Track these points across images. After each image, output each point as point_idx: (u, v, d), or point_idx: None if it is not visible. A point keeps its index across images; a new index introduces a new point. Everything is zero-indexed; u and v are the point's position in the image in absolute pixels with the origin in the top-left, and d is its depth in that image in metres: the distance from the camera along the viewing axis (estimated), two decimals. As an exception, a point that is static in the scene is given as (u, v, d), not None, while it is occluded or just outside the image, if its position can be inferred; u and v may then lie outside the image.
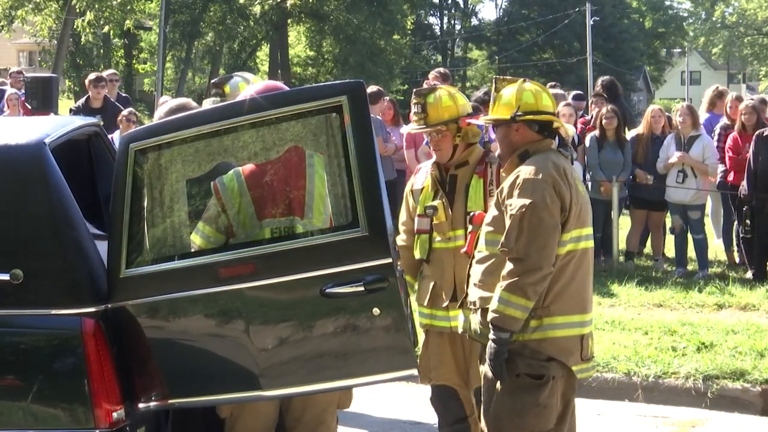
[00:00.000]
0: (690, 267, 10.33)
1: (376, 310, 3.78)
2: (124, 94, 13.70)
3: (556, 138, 4.43)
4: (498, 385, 4.19)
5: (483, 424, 4.36)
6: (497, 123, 4.39)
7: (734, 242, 10.59)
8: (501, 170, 4.46)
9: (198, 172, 4.04)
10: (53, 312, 3.91)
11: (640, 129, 10.67)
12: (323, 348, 3.85)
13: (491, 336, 4.11)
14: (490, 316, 4.11)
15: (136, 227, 3.96)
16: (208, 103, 5.06)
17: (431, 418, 6.49)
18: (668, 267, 10.47)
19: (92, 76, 12.36)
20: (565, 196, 4.12)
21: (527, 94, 4.31)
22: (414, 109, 4.86)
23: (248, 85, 5.09)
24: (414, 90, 4.91)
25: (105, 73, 13.66)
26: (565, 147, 4.50)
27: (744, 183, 9.66)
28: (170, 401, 4.02)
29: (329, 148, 3.86)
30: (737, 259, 10.53)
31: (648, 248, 11.17)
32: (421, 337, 4.88)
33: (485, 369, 4.24)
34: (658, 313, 8.46)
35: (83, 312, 3.87)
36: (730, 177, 10.15)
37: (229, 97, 4.98)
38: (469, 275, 4.37)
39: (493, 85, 4.45)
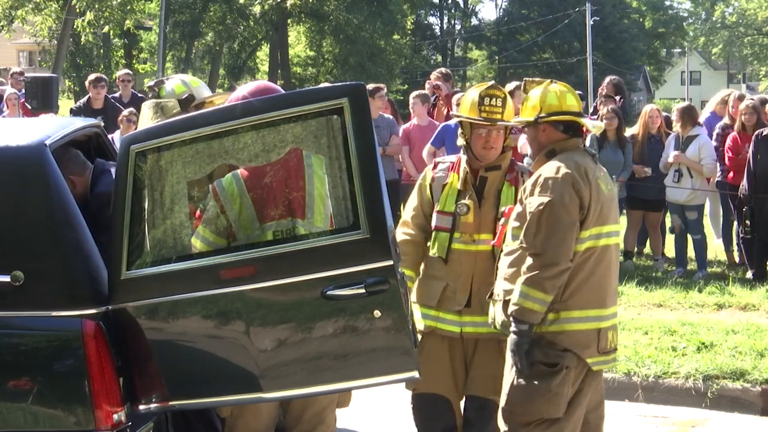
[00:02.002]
0: (690, 267, 10.34)
1: (377, 312, 3.78)
2: (140, 95, 13.68)
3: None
4: (513, 372, 4.31)
5: (499, 414, 4.42)
6: (524, 124, 4.51)
7: (734, 242, 10.60)
8: (532, 169, 4.55)
9: (198, 174, 4.04)
10: (54, 313, 3.91)
11: (636, 128, 10.68)
12: (324, 350, 3.85)
13: (512, 328, 4.26)
14: (510, 308, 4.26)
15: (136, 229, 3.96)
16: (146, 106, 5.07)
17: (431, 418, 6.49)
18: (668, 267, 10.48)
19: (92, 76, 12.37)
20: (584, 195, 4.24)
21: (551, 96, 4.43)
22: (489, 101, 4.73)
23: (185, 87, 5.10)
24: (494, 84, 4.83)
25: (119, 73, 13.68)
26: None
27: (744, 183, 9.67)
28: (171, 403, 4.02)
29: (330, 150, 3.86)
30: (737, 259, 10.53)
31: (648, 248, 11.18)
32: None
33: (507, 365, 4.37)
34: (658, 313, 8.46)
35: (84, 314, 3.88)
36: (730, 176, 10.16)
37: (164, 98, 4.99)
38: (497, 267, 4.47)
39: (523, 86, 4.57)
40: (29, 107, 12.29)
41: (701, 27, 70.24)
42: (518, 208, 4.40)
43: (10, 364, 3.93)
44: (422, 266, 4.92)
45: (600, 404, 4.53)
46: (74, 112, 12.14)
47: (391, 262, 3.75)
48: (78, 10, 33.03)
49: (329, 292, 3.76)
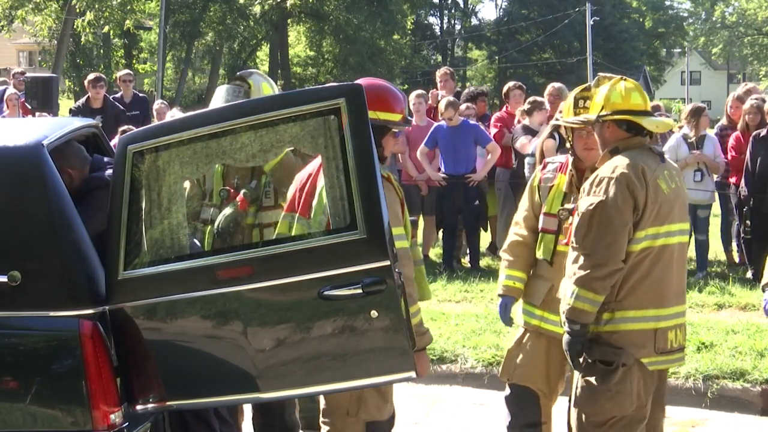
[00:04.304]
0: (690, 267, 10.33)
1: (374, 313, 3.76)
2: (141, 95, 13.68)
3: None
4: (579, 374, 4.34)
5: (571, 414, 4.46)
6: (585, 122, 4.53)
7: (733, 242, 10.59)
8: (596, 165, 4.54)
9: (196, 174, 4.04)
10: (51, 314, 3.90)
11: None
12: (321, 350, 3.85)
13: (565, 328, 4.30)
14: (562, 308, 4.28)
15: (134, 229, 3.95)
16: (221, 91, 5.08)
17: (431, 417, 6.49)
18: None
19: (91, 76, 12.36)
20: (639, 196, 4.21)
21: (615, 94, 4.41)
22: (583, 102, 4.69)
23: (271, 90, 5.10)
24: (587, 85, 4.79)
25: (120, 74, 13.68)
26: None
27: (743, 183, 9.66)
28: (168, 403, 4.01)
29: (327, 151, 3.85)
30: (737, 259, 10.52)
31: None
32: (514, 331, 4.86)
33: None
34: (658, 314, 8.44)
35: (81, 314, 3.87)
36: (732, 176, 10.14)
37: (253, 91, 5.00)
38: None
39: (595, 82, 4.57)
40: (29, 107, 12.28)
41: (701, 27, 70.31)
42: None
43: (7, 364, 3.93)
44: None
45: (661, 404, 4.54)
46: (73, 112, 12.14)
47: (388, 263, 3.74)
48: (78, 10, 33.07)
49: (326, 293, 3.75)
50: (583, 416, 4.35)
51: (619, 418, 4.30)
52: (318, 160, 4.14)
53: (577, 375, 4.38)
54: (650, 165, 4.31)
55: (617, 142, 4.39)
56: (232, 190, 5.09)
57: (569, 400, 4.56)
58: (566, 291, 4.29)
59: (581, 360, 4.28)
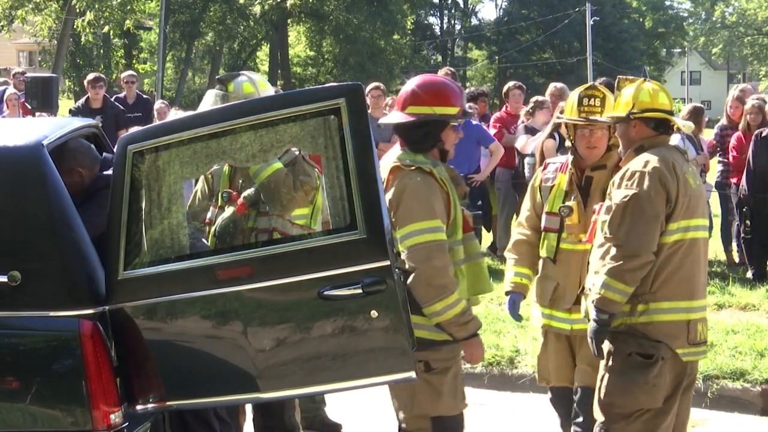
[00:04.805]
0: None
1: (374, 313, 3.77)
2: (145, 96, 13.67)
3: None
4: (610, 365, 4.38)
5: (595, 405, 4.48)
6: (616, 120, 4.60)
7: (733, 242, 10.59)
8: (620, 164, 4.60)
9: (196, 174, 4.04)
10: (51, 314, 3.90)
11: None
12: (321, 350, 3.85)
13: (592, 316, 4.35)
14: (592, 297, 4.34)
15: (134, 229, 3.95)
16: (210, 95, 5.09)
17: (430, 419, 6.48)
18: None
19: (90, 76, 12.36)
20: (671, 188, 4.31)
21: (644, 93, 4.51)
22: (588, 101, 4.84)
23: (253, 88, 5.10)
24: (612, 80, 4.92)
25: (123, 75, 13.68)
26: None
27: (743, 183, 9.66)
28: (168, 403, 4.01)
29: (327, 150, 3.85)
30: (737, 259, 10.52)
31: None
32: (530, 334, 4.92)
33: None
34: (658, 314, 8.44)
35: (81, 314, 3.86)
36: (733, 176, 10.14)
37: (231, 95, 4.99)
38: (588, 262, 4.54)
39: (616, 84, 4.66)
40: (29, 107, 12.27)
41: (701, 27, 70.30)
42: (608, 202, 4.45)
43: (7, 364, 3.92)
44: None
45: (689, 397, 4.58)
46: (73, 113, 12.13)
47: (388, 263, 3.74)
48: (78, 10, 33.07)
49: (326, 293, 3.75)
50: (612, 407, 4.40)
51: (647, 410, 4.36)
52: None
53: (607, 367, 4.41)
54: (678, 160, 4.43)
55: (643, 140, 4.48)
56: (234, 193, 5.10)
57: (577, 390, 4.69)
58: (595, 281, 4.34)
59: (606, 349, 4.35)
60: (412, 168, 4.29)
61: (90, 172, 4.48)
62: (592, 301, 4.33)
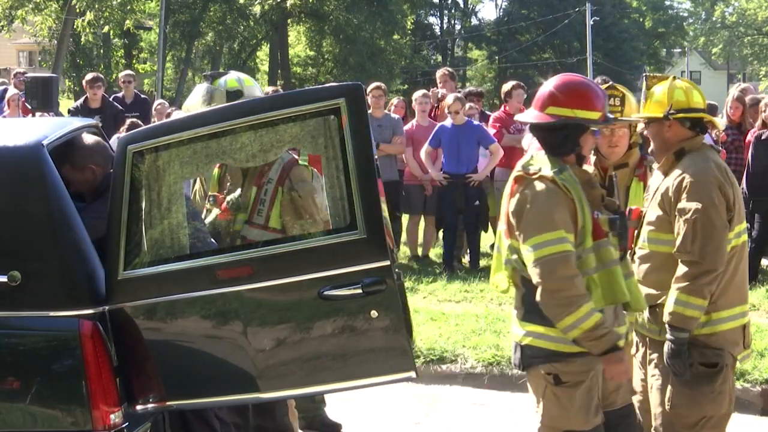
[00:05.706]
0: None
1: (374, 313, 3.77)
2: (143, 95, 13.67)
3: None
4: (673, 378, 4.32)
5: (654, 419, 4.42)
6: (650, 120, 4.48)
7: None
8: (654, 167, 4.53)
9: (196, 174, 4.04)
10: (51, 314, 3.90)
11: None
12: (321, 350, 3.85)
13: (669, 336, 4.26)
14: (667, 317, 4.25)
15: (134, 229, 3.95)
16: (199, 89, 5.10)
17: (431, 418, 6.49)
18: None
19: (89, 76, 12.34)
20: (729, 196, 4.26)
21: (678, 92, 4.41)
22: (609, 101, 4.57)
23: (238, 84, 5.11)
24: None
25: (121, 74, 13.68)
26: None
27: (743, 184, 9.64)
28: (168, 403, 4.01)
29: (327, 150, 3.85)
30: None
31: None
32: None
33: (652, 367, 4.40)
34: (658, 314, 8.43)
35: (81, 314, 3.87)
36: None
37: (217, 89, 5.01)
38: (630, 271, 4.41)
39: (644, 82, 4.54)
40: (29, 107, 12.27)
41: (701, 27, 70.24)
42: (656, 211, 4.35)
43: (7, 364, 3.93)
44: None
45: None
46: (72, 113, 12.12)
47: (388, 263, 3.74)
48: (78, 10, 33.04)
49: (326, 293, 3.75)
50: (680, 418, 4.34)
51: (710, 417, 4.34)
52: None
53: (669, 380, 4.32)
54: (724, 164, 4.36)
55: (682, 143, 4.38)
56: (220, 196, 5.10)
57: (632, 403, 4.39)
58: (669, 300, 4.26)
59: (686, 365, 4.27)
60: (534, 177, 4.04)
61: (102, 170, 4.49)
62: (668, 322, 4.24)
